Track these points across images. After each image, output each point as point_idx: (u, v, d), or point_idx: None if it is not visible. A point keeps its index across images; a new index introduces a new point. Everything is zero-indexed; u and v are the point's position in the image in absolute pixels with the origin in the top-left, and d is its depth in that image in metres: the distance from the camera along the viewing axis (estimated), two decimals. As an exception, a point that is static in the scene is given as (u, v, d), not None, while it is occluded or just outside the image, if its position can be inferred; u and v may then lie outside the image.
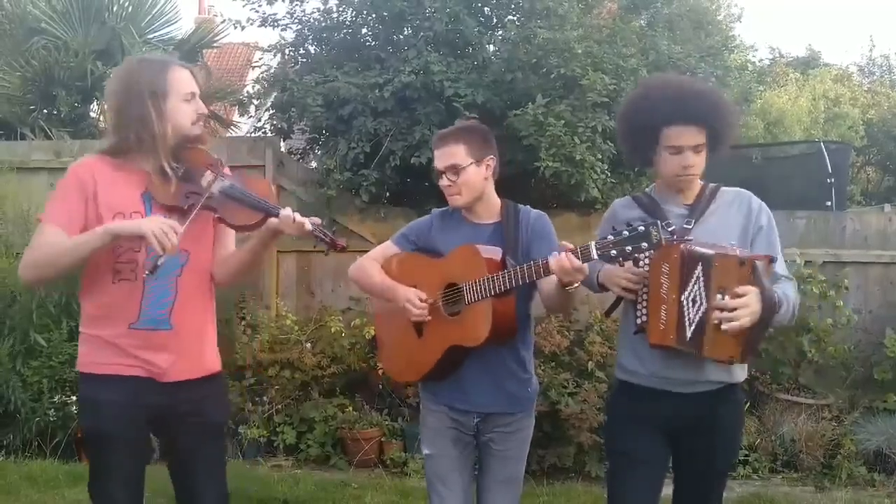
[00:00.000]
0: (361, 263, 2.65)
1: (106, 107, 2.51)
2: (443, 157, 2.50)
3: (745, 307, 2.10)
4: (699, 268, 2.19)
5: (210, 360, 2.37)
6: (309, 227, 2.21)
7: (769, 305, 2.14)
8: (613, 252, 2.13)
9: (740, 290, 2.11)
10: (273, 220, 2.21)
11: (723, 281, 2.14)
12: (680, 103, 2.33)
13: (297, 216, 2.20)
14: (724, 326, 2.11)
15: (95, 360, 2.23)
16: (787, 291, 2.29)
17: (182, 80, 2.24)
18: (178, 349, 2.24)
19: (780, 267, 2.36)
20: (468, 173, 2.48)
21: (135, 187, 2.23)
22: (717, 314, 2.12)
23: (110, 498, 2.25)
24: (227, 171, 2.32)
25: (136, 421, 2.23)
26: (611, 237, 2.14)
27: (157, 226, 2.07)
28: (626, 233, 2.11)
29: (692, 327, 2.21)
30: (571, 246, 2.18)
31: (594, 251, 2.15)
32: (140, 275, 2.18)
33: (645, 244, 2.10)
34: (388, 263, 2.62)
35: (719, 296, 2.13)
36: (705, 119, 2.33)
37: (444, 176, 2.50)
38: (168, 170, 2.22)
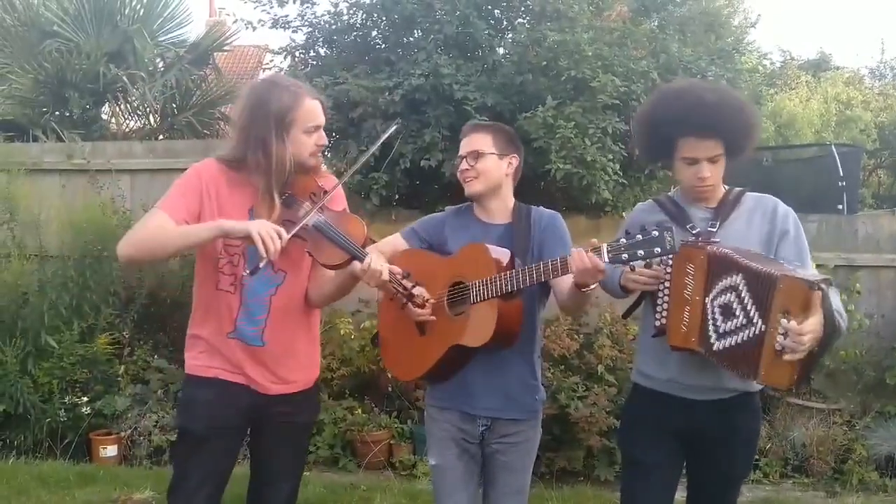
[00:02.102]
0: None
1: (232, 120, 2.53)
2: (467, 144, 2.53)
3: (811, 333, 1.97)
4: (742, 280, 2.08)
5: (302, 378, 2.41)
6: (386, 278, 2.21)
7: (833, 331, 2.02)
8: (625, 256, 2.07)
9: (805, 326, 1.96)
10: (357, 263, 2.22)
11: (787, 304, 2.00)
12: (697, 115, 2.26)
13: (378, 265, 2.20)
14: (786, 357, 1.99)
15: (201, 363, 2.30)
16: (840, 309, 2.12)
17: (310, 112, 2.26)
18: (270, 365, 2.31)
19: (813, 274, 2.23)
20: (488, 161, 2.49)
21: (244, 201, 2.27)
22: (780, 340, 1.99)
23: (189, 499, 2.28)
24: (336, 199, 2.34)
25: (230, 422, 2.30)
26: (623, 240, 2.08)
27: (264, 228, 2.11)
28: (639, 237, 2.05)
29: (727, 340, 2.13)
30: (583, 250, 2.13)
31: (605, 254, 2.08)
32: (238, 287, 2.25)
33: (658, 249, 2.04)
34: (395, 258, 2.56)
35: (784, 320, 1.99)
36: (723, 131, 2.27)
37: (464, 160, 2.51)
38: (276, 195, 2.25)
